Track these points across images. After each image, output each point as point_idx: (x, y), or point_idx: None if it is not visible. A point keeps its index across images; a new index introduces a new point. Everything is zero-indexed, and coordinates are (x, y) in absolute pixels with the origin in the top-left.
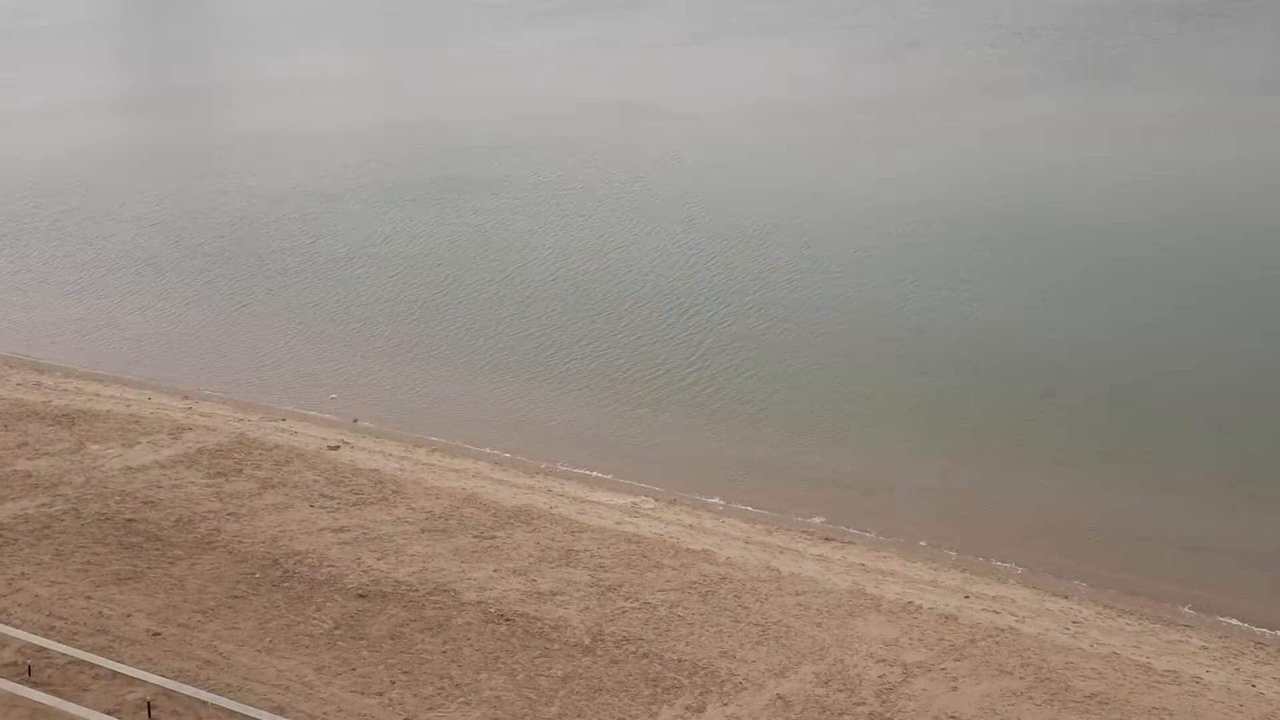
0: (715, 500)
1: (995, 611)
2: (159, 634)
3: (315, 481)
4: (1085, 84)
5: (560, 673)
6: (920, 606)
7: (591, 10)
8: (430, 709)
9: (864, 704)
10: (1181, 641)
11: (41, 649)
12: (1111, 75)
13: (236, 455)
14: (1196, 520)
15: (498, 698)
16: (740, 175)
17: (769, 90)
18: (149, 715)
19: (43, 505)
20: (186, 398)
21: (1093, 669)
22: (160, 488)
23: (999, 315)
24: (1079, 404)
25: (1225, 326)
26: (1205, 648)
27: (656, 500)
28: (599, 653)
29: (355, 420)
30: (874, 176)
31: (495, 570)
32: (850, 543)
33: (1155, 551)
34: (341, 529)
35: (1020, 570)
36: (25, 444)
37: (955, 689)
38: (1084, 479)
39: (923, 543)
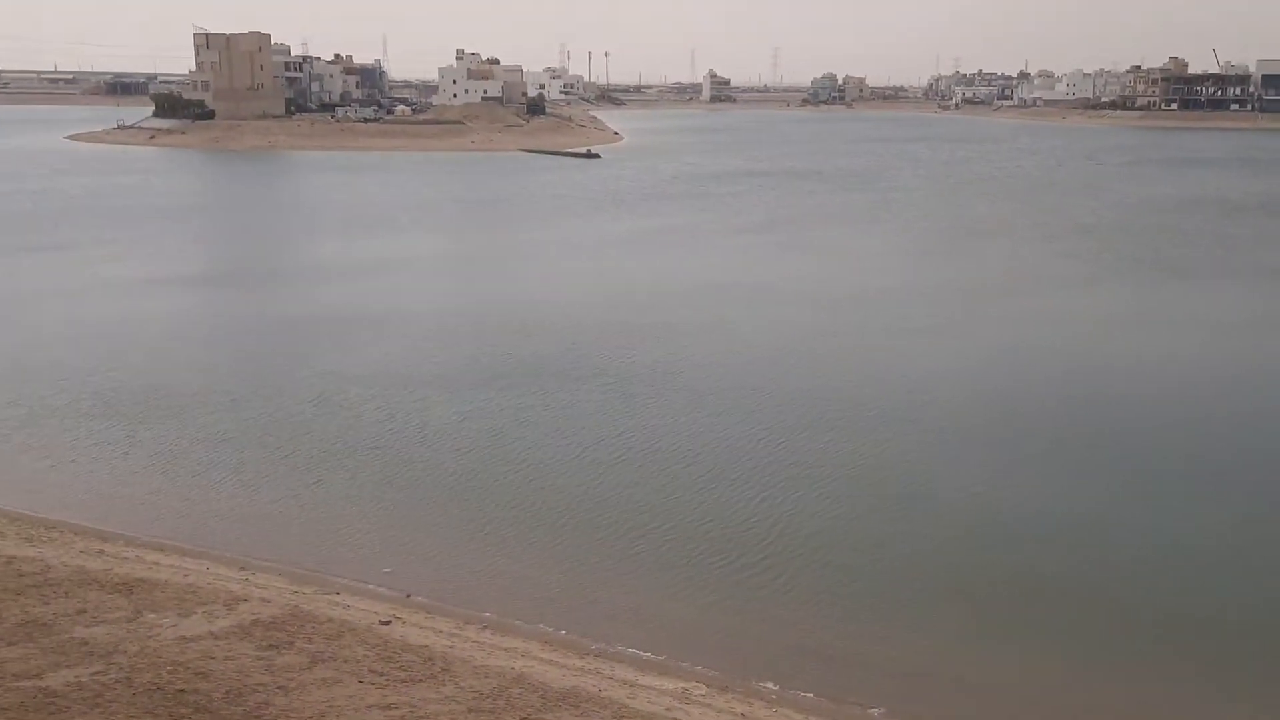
0: (769, 685)
1: None
2: None
3: (365, 657)
4: (1146, 279)
5: None
6: None
7: (669, 199)
8: None
9: None
10: None
11: None
12: (1170, 270)
13: (290, 628)
14: None
15: None
16: (806, 361)
17: (833, 278)
18: None
19: (96, 673)
20: (243, 569)
21: None
22: (213, 659)
23: (1060, 508)
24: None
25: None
26: None
27: (709, 686)
28: None
29: (408, 595)
30: (936, 363)
31: None
32: None
33: None
34: (389, 706)
35: None
36: (84, 611)
37: None
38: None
39: None
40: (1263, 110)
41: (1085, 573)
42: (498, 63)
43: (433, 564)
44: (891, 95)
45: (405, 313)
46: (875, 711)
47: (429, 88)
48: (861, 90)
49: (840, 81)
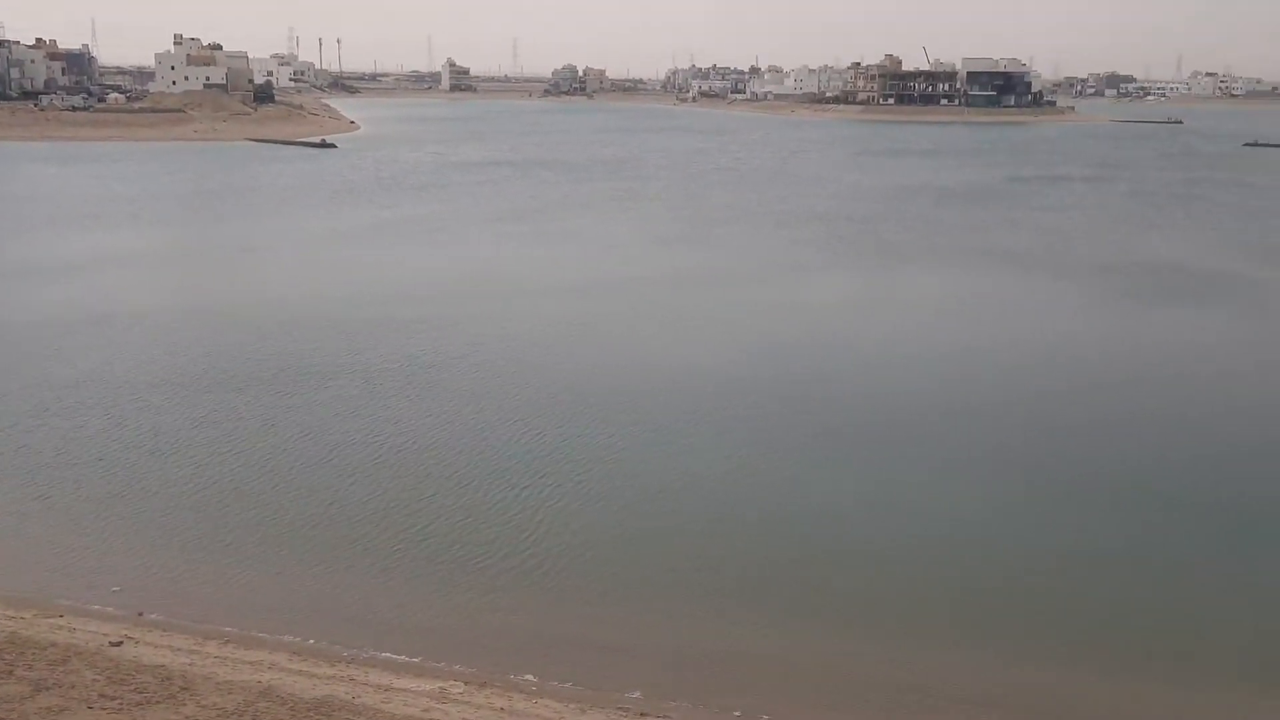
0: (528, 678)
1: None
2: None
3: (95, 681)
4: (872, 263)
5: None
6: None
7: (419, 189)
8: None
9: None
10: None
11: None
12: (893, 254)
13: (8, 655)
14: None
15: None
16: (557, 352)
17: (583, 266)
18: None
19: None
20: None
21: None
22: None
23: (827, 485)
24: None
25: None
26: None
27: (467, 684)
28: None
29: (140, 614)
30: (682, 351)
31: None
32: (665, 716)
33: None
34: None
35: None
36: None
37: None
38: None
39: (737, 713)
40: (968, 104)
41: (805, 549)
42: (220, 48)
43: (167, 580)
44: (631, 87)
45: (128, 314)
46: (633, 695)
47: (145, 75)
48: (602, 82)
49: (581, 73)
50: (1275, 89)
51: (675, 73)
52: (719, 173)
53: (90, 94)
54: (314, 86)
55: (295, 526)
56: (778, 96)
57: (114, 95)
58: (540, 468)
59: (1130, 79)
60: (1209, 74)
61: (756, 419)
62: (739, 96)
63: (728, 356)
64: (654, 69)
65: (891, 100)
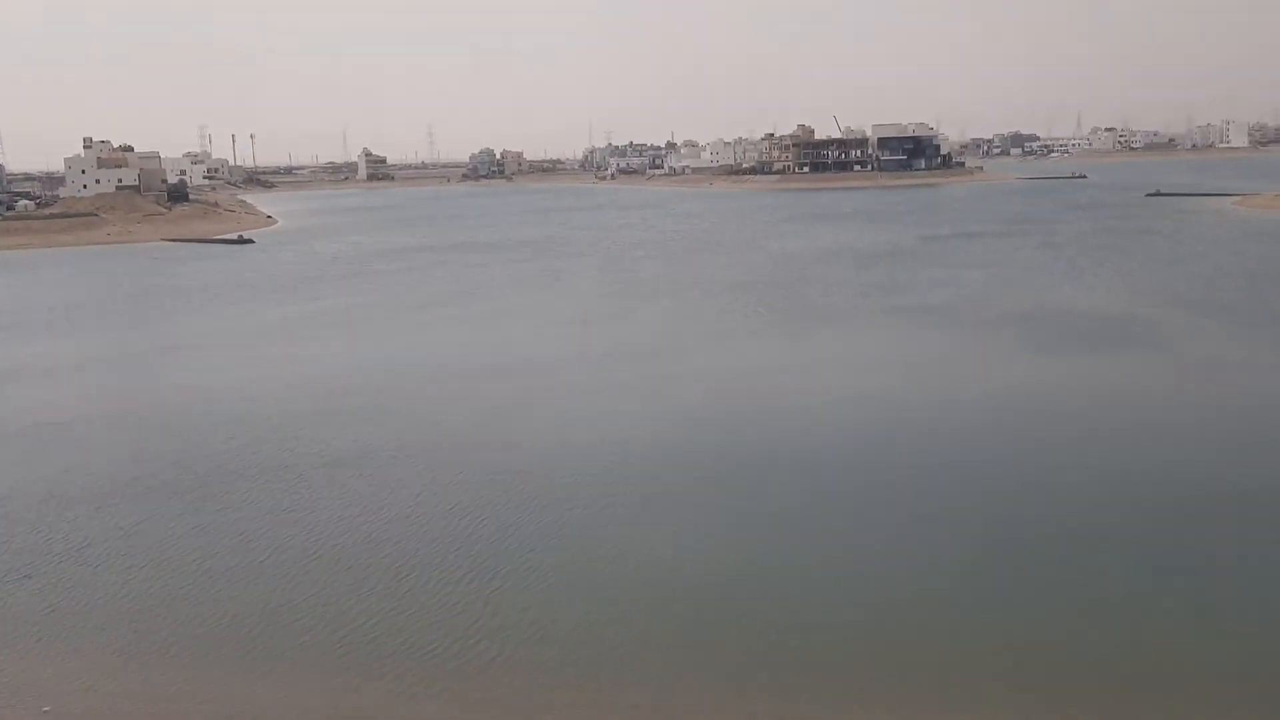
0: None
1: None
2: None
3: None
4: (799, 327)
5: None
6: None
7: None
8: None
9: None
10: None
11: None
12: (818, 318)
13: None
14: None
15: None
16: (487, 436)
17: (511, 348)
18: None
19: None
20: None
21: None
22: None
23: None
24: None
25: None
26: None
27: None
28: None
29: None
30: (615, 427)
31: None
32: None
33: None
34: None
35: None
36: None
37: None
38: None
39: None
40: (880, 169)
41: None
42: (131, 149)
43: (99, 696)
44: (550, 168)
45: (50, 424)
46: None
47: (55, 180)
48: (520, 164)
49: (499, 155)
50: (1171, 140)
51: (593, 151)
52: (644, 246)
53: None
54: (229, 183)
55: (232, 633)
56: (695, 170)
57: (24, 202)
58: (479, 556)
59: (1034, 137)
60: (1108, 129)
61: (695, 492)
62: (657, 172)
63: (661, 430)
64: (571, 148)
65: (806, 168)
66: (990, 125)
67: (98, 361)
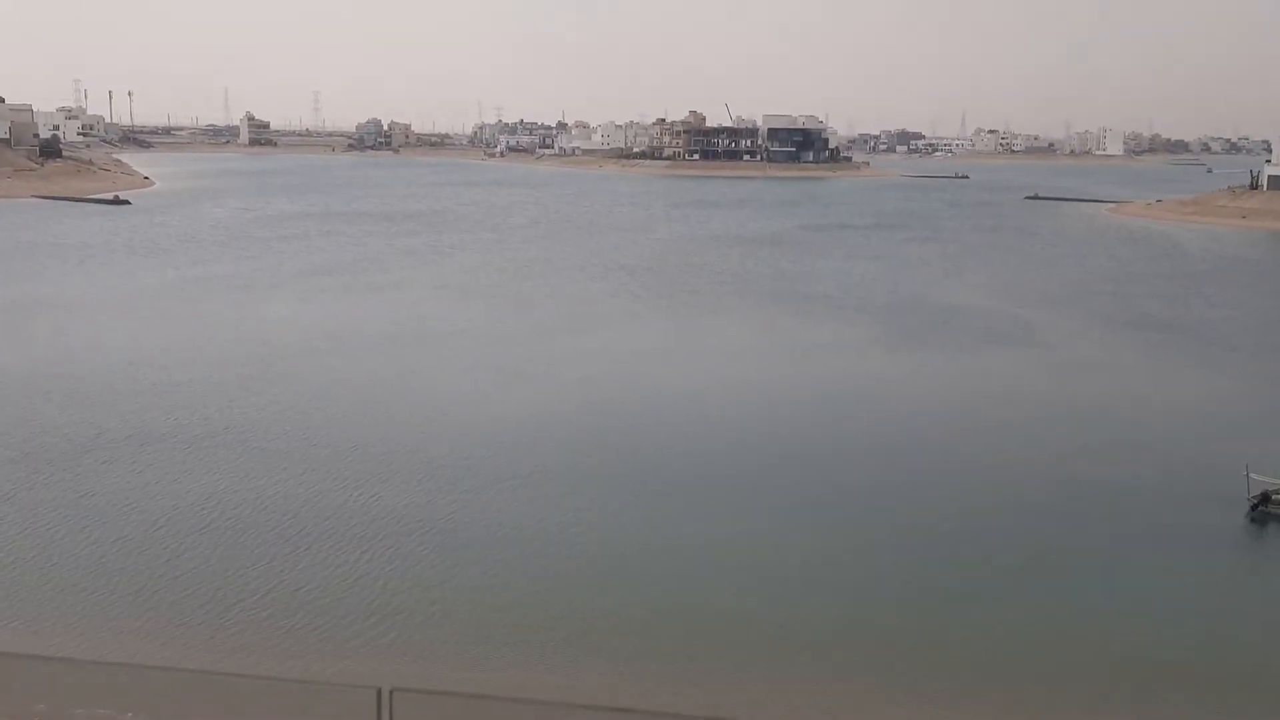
0: None
1: None
2: None
3: None
4: (680, 311)
5: None
6: None
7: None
8: None
9: None
10: None
11: None
12: (705, 305)
13: None
14: None
15: None
16: (367, 407)
17: (393, 321)
18: None
19: None
20: None
21: None
22: None
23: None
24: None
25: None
26: None
27: None
28: None
29: None
30: (491, 405)
31: None
32: None
33: None
34: None
35: None
36: None
37: None
38: None
39: None
40: (770, 160)
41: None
42: (2, 101)
43: None
44: (438, 142)
45: None
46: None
47: None
48: (408, 136)
49: (386, 127)
50: (1051, 145)
51: (482, 127)
52: (534, 225)
53: None
54: (104, 141)
55: (113, 603)
56: (585, 152)
57: None
58: (361, 524)
59: (919, 136)
60: (991, 131)
61: (569, 469)
62: (547, 151)
63: (537, 409)
64: (460, 123)
65: (696, 156)
66: (878, 122)
67: None
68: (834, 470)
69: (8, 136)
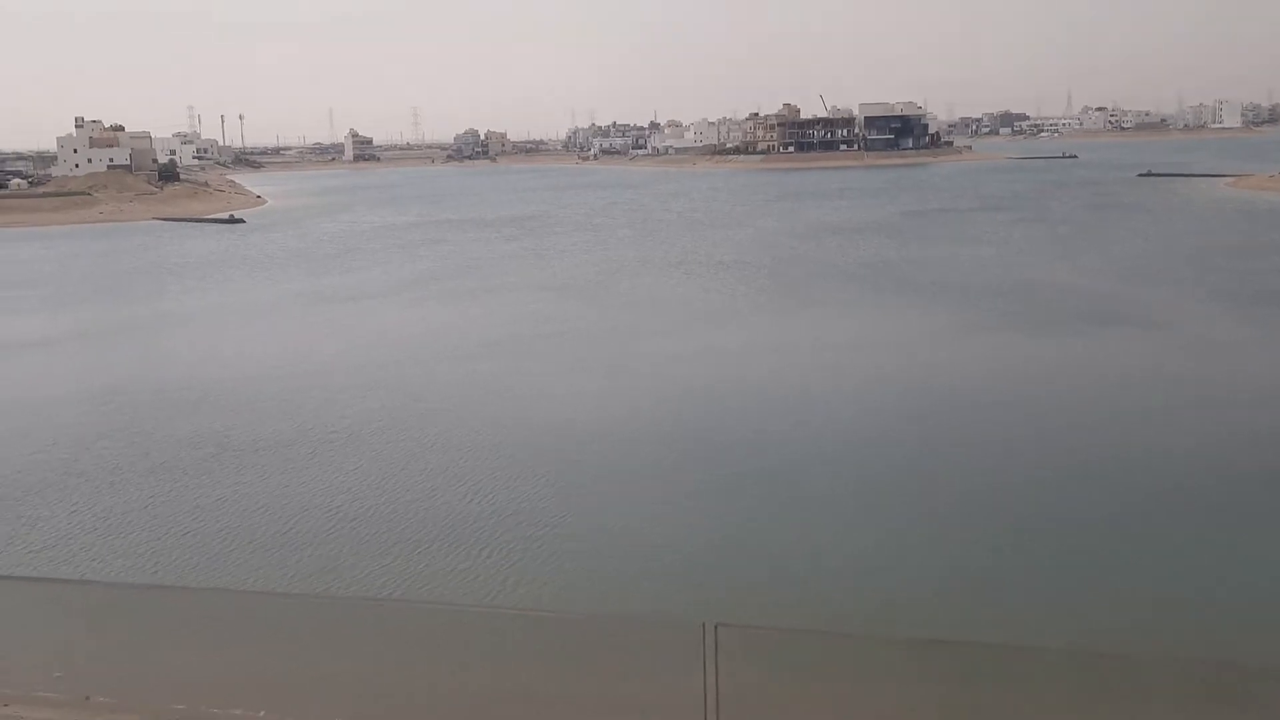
0: None
1: None
2: None
3: None
4: (784, 307)
5: None
6: None
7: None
8: None
9: None
10: None
11: None
12: (812, 297)
13: None
14: None
15: None
16: (481, 409)
17: (497, 325)
18: None
19: None
20: None
21: None
22: None
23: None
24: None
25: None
26: None
27: None
28: None
29: (87, 698)
30: (604, 403)
31: None
32: None
33: None
34: None
35: None
36: None
37: None
38: None
39: None
40: (867, 149)
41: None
42: (122, 129)
43: (109, 662)
44: (533, 148)
45: (60, 398)
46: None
47: (47, 159)
48: (504, 144)
49: (483, 136)
50: (1163, 120)
51: (576, 132)
52: (629, 226)
53: None
54: (217, 163)
55: (240, 602)
56: (678, 150)
57: (16, 181)
58: (492, 527)
59: (1023, 117)
60: (1099, 109)
61: (674, 468)
62: (640, 152)
63: (642, 407)
64: (554, 129)
65: (791, 148)
66: (979, 105)
67: (93, 336)
68: (975, 468)
69: (128, 163)
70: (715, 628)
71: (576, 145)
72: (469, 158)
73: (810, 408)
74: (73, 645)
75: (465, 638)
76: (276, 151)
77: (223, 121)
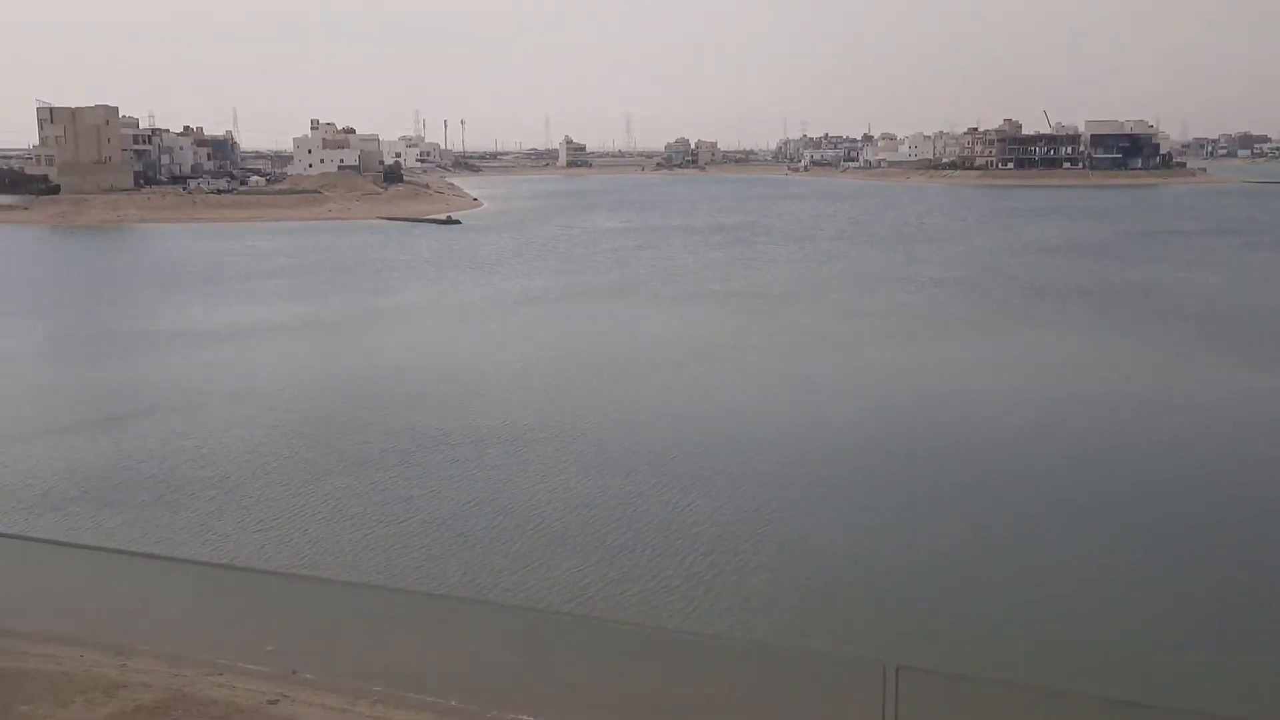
0: None
1: None
2: None
3: None
4: (999, 326)
5: None
6: None
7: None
8: None
9: None
10: None
11: None
12: (1026, 319)
13: (174, 711)
14: None
15: None
16: (680, 414)
17: (709, 332)
18: None
19: None
20: (120, 654)
21: None
22: None
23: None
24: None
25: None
26: None
27: None
28: None
29: (294, 672)
30: (819, 414)
31: None
32: None
33: None
34: None
35: None
36: None
37: None
38: None
39: None
40: (1093, 167)
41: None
42: (353, 132)
43: (317, 639)
44: (743, 158)
45: (276, 381)
46: None
47: (283, 158)
48: (714, 154)
49: (693, 145)
50: None
51: (786, 143)
52: (839, 238)
53: (233, 177)
54: (439, 166)
55: (437, 589)
56: (891, 164)
57: (255, 178)
58: (679, 541)
59: (1265, 139)
60: None
61: (879, 488)
62: (852, 164)
63: (846, 424)
64: (765, 140)
65: (1011, 165)
66: (1215, 125)
67: (319, 326)
68: (1208, 519)
69: (357, 164)
70: (897, 671)
71: (786, 156)
72: (678, 166)
73: (1030, 433)
74: (285, 626)
75: (650, 654)
76: (494, 156)
77: (445, 126)
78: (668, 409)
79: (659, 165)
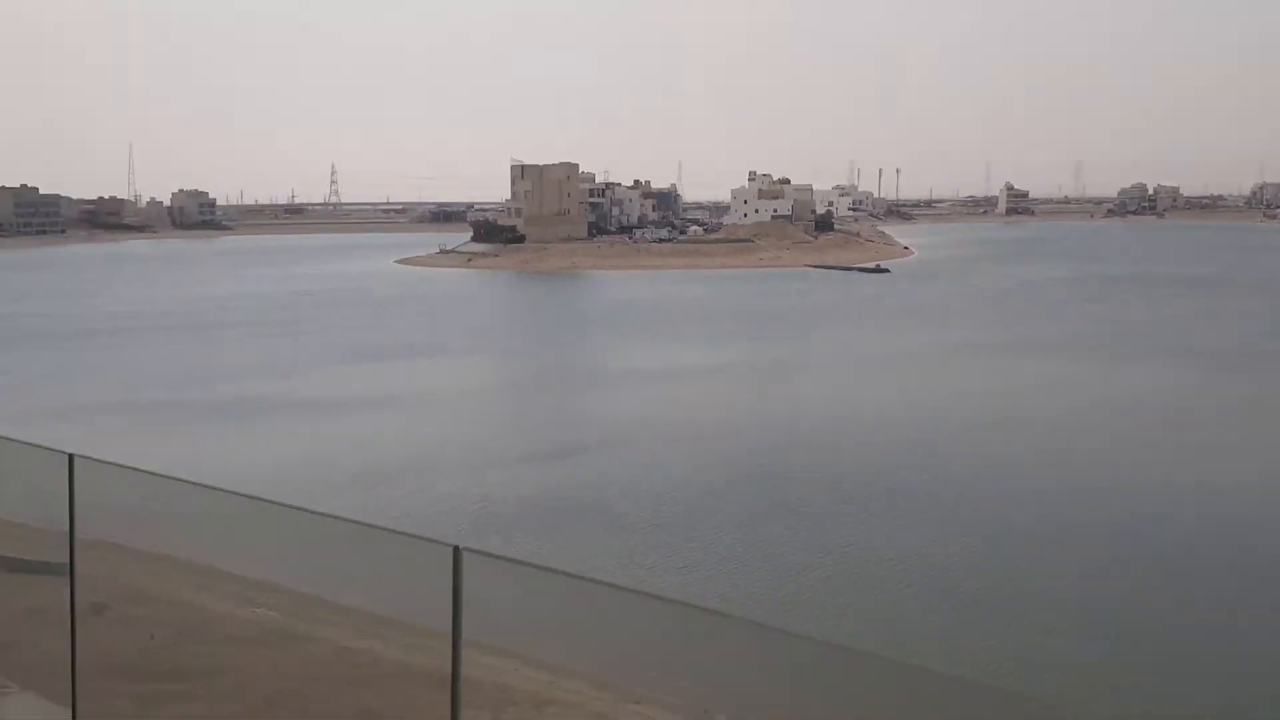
0: None
1: None
2: None
3: None
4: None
5: None
6: None
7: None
8: None
9: None
10: None
11: None
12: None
13: None
14: None
15: None
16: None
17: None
18: None
19: None
20: (551, 671)
21: None
22: None
23: None
24: None
25: None
26: None
27: None
28: None
29: (705, 711)
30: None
31: None
32: None
33: None
34: None
35: None
36: (410, 705)
37: None
38: None
39: None
40: None
41: None
42: (788, 182)
43: (735, 680)
44: (1209, 205)
45: (708, 423)
46: None
47: (720, 208)
48: (1175, 200)
49: (1151, 191)
50: None
51: (1263, 187)
52: None
53: (674, 227)
54: (870, 214)
55: (870, 645)
56: None
57: (694, 228)
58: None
59: None
60: None
61: None
62: None
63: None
64: (1236, 184)
65: None
66: None
67: (748, 369)
68: None
69: (790, 213)
70: None
71: (1262, 202)
72: (1132, 213)
73: None
74: (700, 662)
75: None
76: (929, 204)
77: (880, 174)
78: (1134, 486)
79: (1109, 212)
